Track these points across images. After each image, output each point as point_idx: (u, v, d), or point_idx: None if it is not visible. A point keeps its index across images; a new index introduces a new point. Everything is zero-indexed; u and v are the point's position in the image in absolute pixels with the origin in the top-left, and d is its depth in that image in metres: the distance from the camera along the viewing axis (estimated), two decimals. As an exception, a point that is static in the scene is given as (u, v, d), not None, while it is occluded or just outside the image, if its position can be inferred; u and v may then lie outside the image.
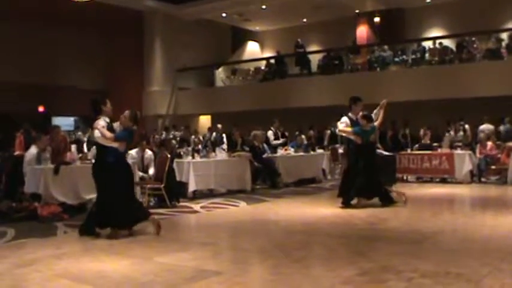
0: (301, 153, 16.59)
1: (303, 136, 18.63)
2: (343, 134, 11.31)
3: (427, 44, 22.38)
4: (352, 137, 10.84)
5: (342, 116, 11.17)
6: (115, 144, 8.01)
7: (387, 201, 10.84)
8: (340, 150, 17.74)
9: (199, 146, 17.26)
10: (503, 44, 20.48)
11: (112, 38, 25.10)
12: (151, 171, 11.91)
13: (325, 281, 5.52)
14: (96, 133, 8.04)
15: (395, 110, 16.76)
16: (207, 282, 5.52)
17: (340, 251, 6.95)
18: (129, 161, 11.86)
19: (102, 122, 8.04)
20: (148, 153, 12.31)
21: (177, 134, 21.15)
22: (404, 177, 16.20)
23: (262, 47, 29.48)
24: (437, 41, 22.03)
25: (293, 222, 9.36)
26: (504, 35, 20.91)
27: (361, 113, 10.90)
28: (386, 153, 15.91)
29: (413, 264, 6.06)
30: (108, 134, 7.96)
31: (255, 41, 29.45)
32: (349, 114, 11.06)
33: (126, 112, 8.30)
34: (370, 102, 20.45)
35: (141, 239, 7.96)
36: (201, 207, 11.47)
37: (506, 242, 7.28)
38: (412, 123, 18.60)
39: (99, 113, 8.18)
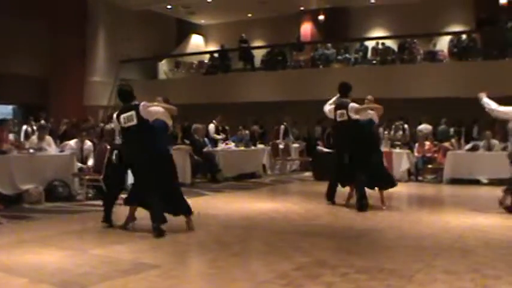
0: (242, 148, 16.61)
1: (247, 131, 18.67)
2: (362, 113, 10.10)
3: (370, 44, 22.75)
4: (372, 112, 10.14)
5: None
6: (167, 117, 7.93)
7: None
8: (281, 146, 17.89)
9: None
10: (443, 46, 21.04)
11: (54, 25, 24.48)
12: (90, 162, 11.74)
13: (262, 275, 5.56)
14: (154, 109, 7.76)
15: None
16: (144, 275, 5.48)
17: (277, 245, 6.99)
18: (68, 151, 11.77)
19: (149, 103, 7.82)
20: (88, 144, 12.13)
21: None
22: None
23: (206, 40, 29.34)
24: (380, 41, 22.43)
25: (232, 217, 9.38)
26: (445, 38, 21.50)
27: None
28: (327, 149, 16.10)
29: (348, 259, 6.17)
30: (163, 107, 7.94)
31: (199, 34, 29.28)
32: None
33: (160, 98, 8.45)
34: (312, 99, 20.72)
35: (76, 231, 7.85)
36: (140, 199, 11.37)
37: (439, 239, 7.45)
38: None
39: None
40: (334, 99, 10.39)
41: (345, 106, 9.97)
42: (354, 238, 7.56)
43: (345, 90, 10.20)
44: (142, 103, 7.64)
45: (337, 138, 10.59)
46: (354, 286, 5.13)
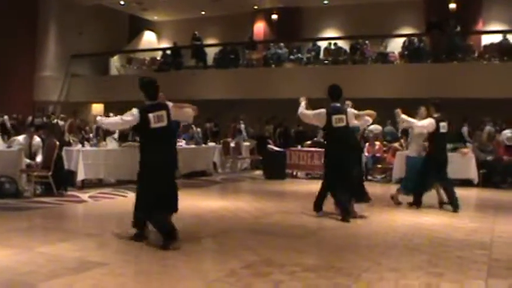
0: (193, 146, 16.57)
1: (198, 129, 18.62)
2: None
3: (323, 44, 22.95)
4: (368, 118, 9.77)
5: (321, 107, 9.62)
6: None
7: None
8: (232, 144, 17.91)
9: (90, 135, 16.87)
10: (394, 48, 21.41)
11: (3, 16, 24.00)
12: (38, 158, 11.55)
13: (211, 274, 5.58)
14: (186, 111, 7.58)
15: (288, 107, 17.05)
16: (91, 273, 5.44)
17: (226, 243, 7.02)
18: (16, 147, 11.56)
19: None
20: (37, 139, 11.91)
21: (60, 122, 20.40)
22: (294, 173, 16.52)
23: (159, 37, 29.16)
24: (332, 42, 22.66)
25: (182, 215, 9.26)
26: (396, 41, 21.88)
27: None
28: (277, 148, 16.17)
29: (296, 258, 6.22)
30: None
31: (152, 30, 29.09)
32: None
33: (161, 94, 7.73)
34: (264, 97, 20.83)
35: (23, 228, 7.74)
36: (89, 196, 11.28)
37: (387, 237, 7.58)
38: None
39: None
40: (303, 103, 9.51)
41: (343, 111, 9.41)
42: (304, 237, 7.63)
43: (338, 94, 9.47)
44: (170, 103, 7.31)
45: (333, 144, 9.43)
46: (302, 284, 5.19)
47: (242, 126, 19.82)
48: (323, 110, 9.32)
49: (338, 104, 9.38)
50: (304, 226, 8.43)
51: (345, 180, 9.00)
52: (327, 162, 9.42)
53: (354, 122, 9.52)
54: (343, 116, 9.28)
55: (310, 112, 9.46)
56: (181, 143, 16.31)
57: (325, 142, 9.85)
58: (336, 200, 9.26)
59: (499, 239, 7.62)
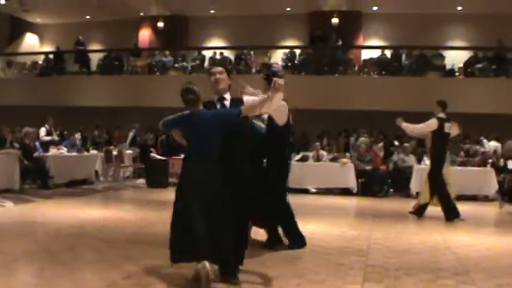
0: (74, 154, 16.15)
1: (78, 136, 18.18)
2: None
3: (208, 53, 23.07)
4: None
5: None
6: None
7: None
8: (115, 152, 17.59)
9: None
10: (279, 59, 21.89)
11: None
12: None
13: (91, 285, 5.46)
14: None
15: (171, 115, 16.96)
16: (-39, 286, 5.19)
17: (107, 254, 6.88)
18: None
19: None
20: None
21: None
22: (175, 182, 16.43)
23: (41, 40, 28.19)
24: (218, 51, 22.81)
25: (61, 225, 9.08)
26: (281, 52, 22.41)
27: None
28: (160, 157, 16.09)
29: (177, 267, 6.15)
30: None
31: (34, 33, 28.10)
32: None
33: None
34: (148, 105, 20.65)
35: None
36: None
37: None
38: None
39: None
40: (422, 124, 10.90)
41: (449, 119, 10.81)
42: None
43: (445, 106, 10.87)
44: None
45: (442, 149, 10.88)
46: (183, 294, 5.16)
47: (131, 134, 19.55)
48: (436, 121, 10.74)
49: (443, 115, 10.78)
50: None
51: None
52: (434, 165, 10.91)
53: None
54: (451, 124, 10.81)
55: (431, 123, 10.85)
56: (62, 151, 15.88)
57: None
58: None
59: (375, 246, 7.92)
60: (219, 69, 6.19)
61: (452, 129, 10.85)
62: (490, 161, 15.40)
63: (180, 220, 5.46)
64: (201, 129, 5.60)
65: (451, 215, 10.57)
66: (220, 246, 5.31)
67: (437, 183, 10.70)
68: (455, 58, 20.98)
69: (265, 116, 7.17)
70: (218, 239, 5.30)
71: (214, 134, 5.59)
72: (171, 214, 5.57)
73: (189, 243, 5.29)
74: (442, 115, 10.75)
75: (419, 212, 11.02)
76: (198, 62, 22.78)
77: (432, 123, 10.71)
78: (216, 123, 5.62)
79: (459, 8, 21.97)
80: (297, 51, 22.17)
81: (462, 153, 16.21)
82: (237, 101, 5.93)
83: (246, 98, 6.06)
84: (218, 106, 5.93)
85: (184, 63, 22.91)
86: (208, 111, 5.75)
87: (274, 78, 5.64)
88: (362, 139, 16.35)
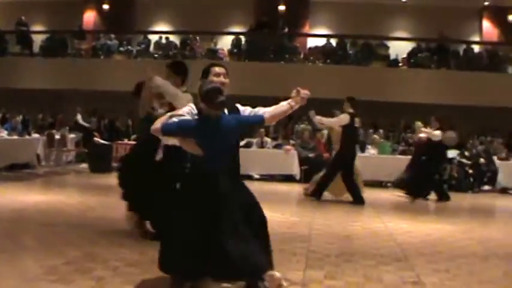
0: (15, 137, 15.82)
1: (19, 118, 17.83)
2: None
3: (153, 38, 22.87)
4: None
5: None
6: None
7: None
8: (57, 136, 17.31)
9: None
10: (224, 45, 21.87)
11: None
12: None
13: (30, 272, 5.36)
14: None
15: (115, 99, 16.88)
16: None
17: (48, 239, 6.78)
18: None
19: None
20: None
21: None
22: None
23: (-20, 20, 27.45)
24: (164, 36, 22.64)
25: (1, 210, 8.93)
26: (226, 38, 22.36)
27: None
28: (103, 141, 15.93)
29: (120, 253, 6.16)
30: None
31: (-28, 13, 27.33)
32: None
33: None
34: (91, 89, 20.38)
35: None
36: None
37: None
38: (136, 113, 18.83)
39: None
40: None
41: (357, 114, 11.63)
42: (128, 232, 7.47)
43: (354, 102, 11.73)
44: None
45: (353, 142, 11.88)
46: (125, 280, 5.14)
47: (79, 117, 19.27)
48: None
49: None
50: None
51: None
52: None
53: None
54: None
55: None
56: (3, 134, 15.55)
57: None
58: None
59: (316, 232, 8.07)
60: (225, 70, 5.30)
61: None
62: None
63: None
64: (225, 136, 4.80)
65: (359, 201, 11.36)
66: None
67: (346, 174, 11.49)
68: (398, 48, 21.39)
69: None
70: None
71: (234, 142, 5.05)
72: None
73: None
74: (351, 110, 11.49)
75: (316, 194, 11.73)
76: (143, 46, 22.57)
77: (345, 118, 11.44)
78: (239, 131, 5.07)
79: (403, 0, 22.36)
80: (243, 38, 22.17)
81: (403, 143, 16.54)
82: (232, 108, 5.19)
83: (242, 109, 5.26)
84: None
85: (130, 47, 22.67)
86: (229, 116, 4.93)
87: (298, 88, 5.53)
88: (302, 126, 16.53)
